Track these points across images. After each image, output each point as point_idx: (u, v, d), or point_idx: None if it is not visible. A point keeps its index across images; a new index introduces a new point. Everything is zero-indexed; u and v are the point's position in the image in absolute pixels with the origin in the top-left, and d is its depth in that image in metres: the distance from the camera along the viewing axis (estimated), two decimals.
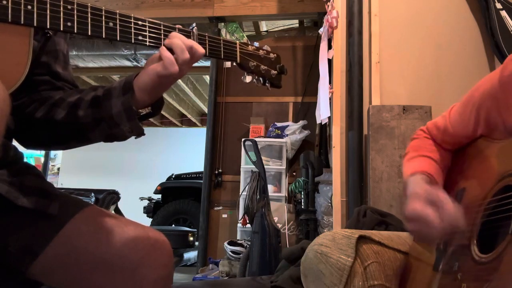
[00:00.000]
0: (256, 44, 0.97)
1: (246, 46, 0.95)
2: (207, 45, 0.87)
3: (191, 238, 5.05)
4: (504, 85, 0.86)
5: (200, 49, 0.83)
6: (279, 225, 3.33)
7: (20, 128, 0.87)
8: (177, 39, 0.81)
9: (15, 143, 0.90)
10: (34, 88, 0.90)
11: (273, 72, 0.98)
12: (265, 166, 3.08)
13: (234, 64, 0.94)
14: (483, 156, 0.92)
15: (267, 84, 0.98)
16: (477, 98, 0.93)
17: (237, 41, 0.94)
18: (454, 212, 0.82)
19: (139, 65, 5.59)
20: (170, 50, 0.81)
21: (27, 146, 0.92)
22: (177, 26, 0.85)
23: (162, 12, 4.58)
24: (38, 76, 0.91)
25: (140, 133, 0.84)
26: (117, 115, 0.82)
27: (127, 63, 5.66)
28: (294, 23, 5.10)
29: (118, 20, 0.77)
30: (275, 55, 0.99)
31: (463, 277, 0.78)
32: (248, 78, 0.96)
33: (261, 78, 0.97)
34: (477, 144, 0.96)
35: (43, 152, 8.04)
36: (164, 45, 0.81)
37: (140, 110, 0.84)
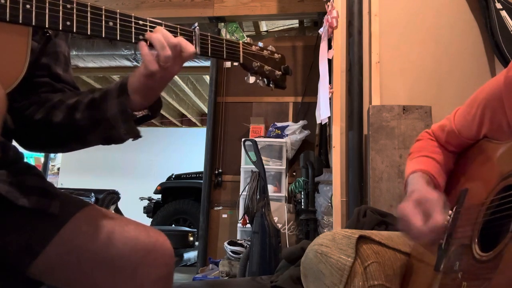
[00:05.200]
0: (260, 44, 0.95)
1: (249, 46, 0.93)
2: (209, 45, 0.85)
3: (191, 238, 5.05)
4: (509, 85, 0.86)
5: (190, 47, 0.80)
6: (279, 225, 3.33)
7: (20, 130, 0.87)
8: (158, 34, 0.78)
9: (15, 143, 0.90)
10: (34, 90, 0.90)
11: (278, 72, 0.96)
12: (265, 166, 3.07)
13: (235, 64, 0.93)
14: (485, 157, 0.92)
15: (271, 85, 0.97)
16: (482, 99, 0.94)
17: (240, 41, 0.92)
18: (438, 219, 0.84)
19: (139, 65, 5.55)
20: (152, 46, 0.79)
21: (27, 148, 0.92)
22: (177, 26, 0.84)
23: (162, 12, 4.58)
24: (38, 78, 0.90)
25: (136, 136, 0.84)
26: (112, 117, 0.81)
27: (127, 63, 5.66)
28: (294, 23, 5.09)
29: (118, 20, 0.76)
30: (279, 55, 0.98)
31: (463, 276, 0.78)
32: (252, 79, 0.95)
33: (265, 79, 0.95)
34: (480, 145, 0.96)
35: None
36: (145, 39, 0.78)
37: (136, 113, 0.83)
